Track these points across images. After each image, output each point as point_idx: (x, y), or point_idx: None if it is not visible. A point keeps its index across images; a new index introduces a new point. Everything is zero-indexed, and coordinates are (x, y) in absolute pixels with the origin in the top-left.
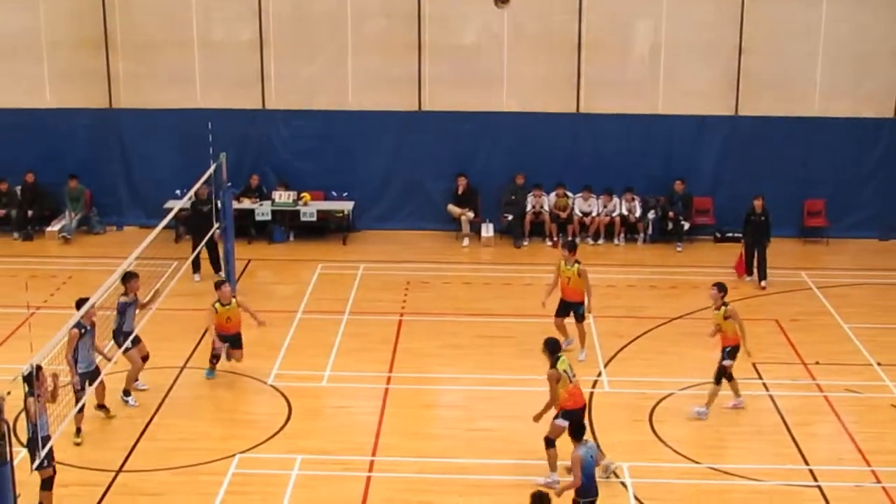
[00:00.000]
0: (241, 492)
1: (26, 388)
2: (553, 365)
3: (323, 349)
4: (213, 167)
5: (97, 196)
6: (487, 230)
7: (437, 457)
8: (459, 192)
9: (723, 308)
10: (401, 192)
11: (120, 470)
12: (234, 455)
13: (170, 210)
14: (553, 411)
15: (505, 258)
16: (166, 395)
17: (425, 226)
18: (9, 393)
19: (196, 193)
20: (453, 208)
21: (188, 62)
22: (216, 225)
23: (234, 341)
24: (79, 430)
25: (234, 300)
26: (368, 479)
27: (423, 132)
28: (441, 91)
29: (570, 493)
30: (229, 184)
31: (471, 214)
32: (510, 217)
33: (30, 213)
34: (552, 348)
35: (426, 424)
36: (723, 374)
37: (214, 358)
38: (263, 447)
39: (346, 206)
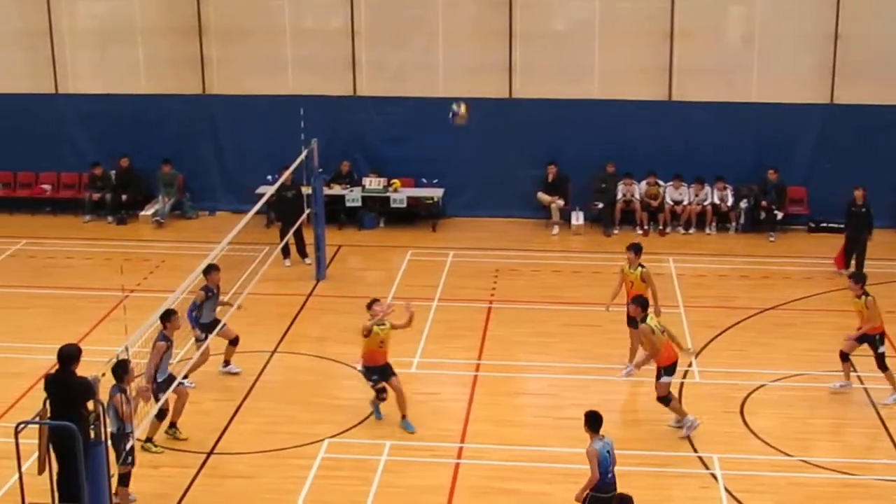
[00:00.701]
0: (330, 476)
1: (114, 381)
2: (643, 320)
3: (412, 335)
4: (304, 153)
5: (190, 181)
6: (577, 218)
7: (524, 444)
8: (549, 179)
9: (863, 298)
10: (491, 180)
11: (211, 452)
12: (323, 439)
13: (261, 195)
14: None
15: (595, 246)
16: (257, 379)
17: (515, 213)
18: (103, 374)
19: None
20: (543, 196)
21: (280, 49)
22: (307, 211)
23: (385, 373)
24: (149, 440)
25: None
26: (457, 465)
27: (513, 119)
28: (532, 78)
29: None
30: (320, 170)
31: (561, 202)
32: (600, 205)
33: (124, 197)
34: (643, 304)
35: (514, 412)
36: (883, 360)
37: (379, 391)
38: (353, 432)
39: (437, 192)
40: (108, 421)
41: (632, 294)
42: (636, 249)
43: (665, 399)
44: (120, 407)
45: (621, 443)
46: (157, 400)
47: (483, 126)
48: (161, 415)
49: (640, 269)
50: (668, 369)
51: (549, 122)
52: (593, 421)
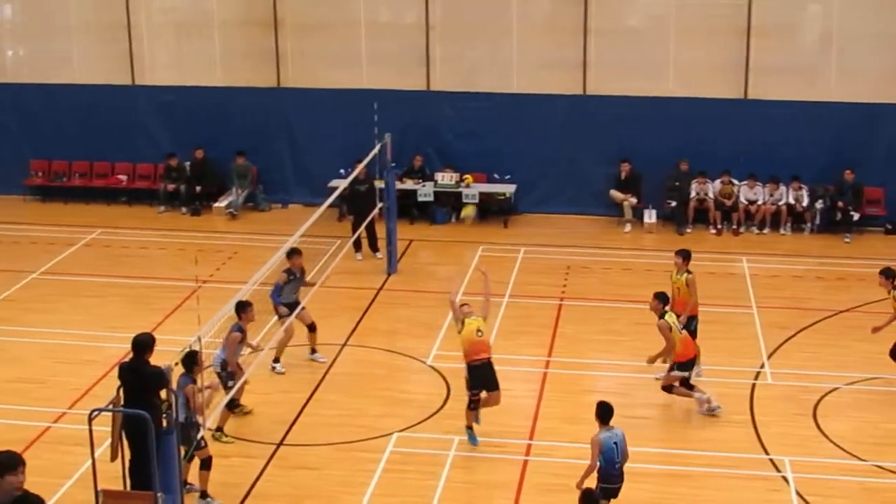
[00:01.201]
0: (398, 470)
1: (183, 370)
2: (662, 316)
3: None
4: (377, 147)
5: (263, 173)
6: (650, 216)
7: None
8: (622, 177)
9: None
10: (563, 176)
11: (280, 443)
12: (392, 433)
13: (334, 189)
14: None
15: (667, 245)
16: (327, 372)
17: (587, 210)
18: (175, 364)
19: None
20: (616, 193)
21: (355, 43)
22: (379, 205)
23: (490, 381)
24: (220, 429)
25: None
26: (525, 462)
27: (586, 116)
28: (606, 75)
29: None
30: (393, 164)
31: (633, 200)
32: (673, 203)
33: (198, 188)
34: (664, 299)
35: (583, 410)
36: None
37: (473, 403)
38: (421, 427)
39: (509, 188)
40: (177, 410)
41: (678, 302)
42: (684, 255)
43: (667, 388)
44: (192, 398)
45: (688, 443)
46: (227, 390)
47: (556, 122)
48: (231, 404)
49: (686, 274)
50: (683, 365)
51: (623, 119)
52: (603, 412)
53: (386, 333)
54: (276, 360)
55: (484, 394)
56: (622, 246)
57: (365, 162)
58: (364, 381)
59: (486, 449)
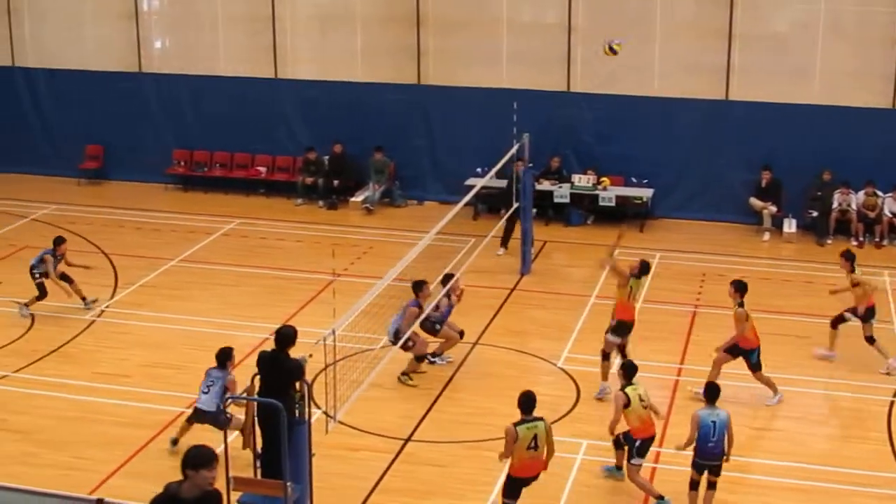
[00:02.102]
0: None
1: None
2: (741, 305)
3: None
4: (514, 147)
5: (400, 169)
6: (790, 225)
7: None
8: (763, 184)
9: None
10: (701, 182)
11: (408, 439)
12: None
13: (471, 187)
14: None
15: (807, 255)
16: (457, 370)
17: (725, 217)
18: (310, 356)
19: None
20: (755, 201)
21: (496, 41)
22: (515, 205)
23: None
24: (406, 374)
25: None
26: (653, 469)
27: (728, 121)
28: (749, 80)
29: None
30: (530, 164)
31: (773, 208)
32: (814, 213)
33: (335, 182)
34: (742, 289)
35: None
36: None
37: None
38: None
39: (646, 192)
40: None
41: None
42: (738, 287)
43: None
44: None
45: (819, 458)
46: (408, 349)
47: (697, 127)
48: (419, 358)
49: (737, 308)
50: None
51: (766, 125)
52: (709, 392)
53: (517, 334)
54: (436, 355)
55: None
56: (760, 255)
57: (503, 161)
58: (494, 380)
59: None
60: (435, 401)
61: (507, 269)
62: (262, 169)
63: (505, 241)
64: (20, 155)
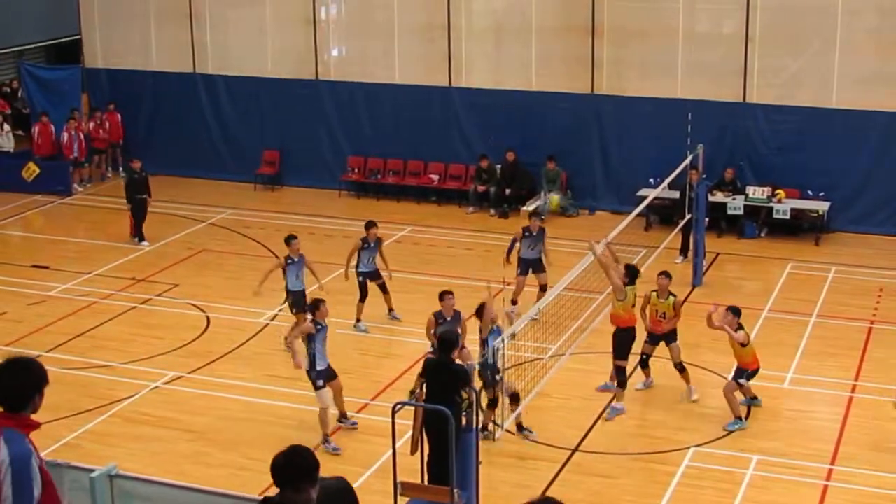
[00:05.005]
0: (693, 485)
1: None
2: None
3: (787, 350)
4: (689, 158)
5: (572, 178)
6: None
7: None
8: None
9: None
10: (881, 196)
11: (576, 449)
12: (689, 447)
13: (643, 198)
14: None
15: None
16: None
17: None
18: (480, 363)
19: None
20: None
21: (671, 52)
22: (687, 216)
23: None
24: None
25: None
26: (825, 487)
27: None
28: None
29: None
30: (704, 176)
31: None
32: None
33: (507, 191)
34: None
35: (889, 438)
36: None
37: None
38: (719, 443)
39: (822, 205)
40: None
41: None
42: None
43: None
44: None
45: None
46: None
47: (876, 139)
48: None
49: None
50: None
51: None
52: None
53: (689, 346)
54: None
55: None
56: None
57: (676, 172)
58: (663, 392)
59: (786, 470)
60: (603, 411)
61: (679, 281)
62: (435, 177)
63: (684, 250)
64: (200, 160)
